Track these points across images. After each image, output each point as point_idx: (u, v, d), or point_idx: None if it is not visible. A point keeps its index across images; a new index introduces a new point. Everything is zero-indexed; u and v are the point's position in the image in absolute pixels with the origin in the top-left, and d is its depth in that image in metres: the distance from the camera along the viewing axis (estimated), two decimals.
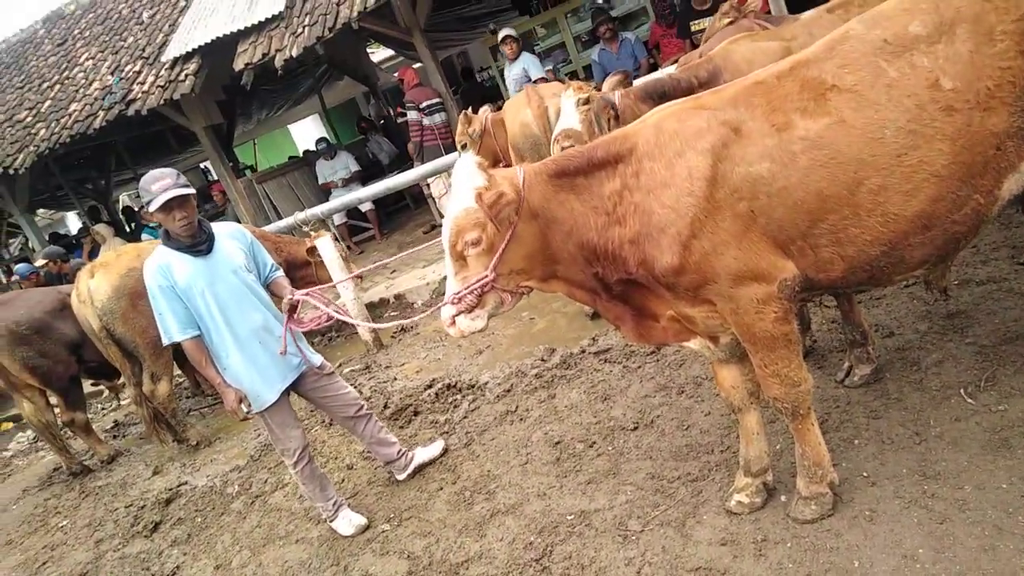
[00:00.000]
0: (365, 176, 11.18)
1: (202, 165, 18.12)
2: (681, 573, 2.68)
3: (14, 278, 9.35)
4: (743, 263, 2.38)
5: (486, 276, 2.51)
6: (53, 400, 6.23)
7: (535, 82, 7.83)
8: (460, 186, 2.55)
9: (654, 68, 7.97)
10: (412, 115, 8.92)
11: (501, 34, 8.35)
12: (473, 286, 2.52)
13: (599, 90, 4.45)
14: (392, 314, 7.29)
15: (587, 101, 4.14)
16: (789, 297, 2.43)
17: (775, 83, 2.41)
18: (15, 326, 5.79)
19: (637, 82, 4.86)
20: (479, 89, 13.07)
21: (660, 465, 3.31)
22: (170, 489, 5.11)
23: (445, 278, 2.73)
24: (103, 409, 8.34)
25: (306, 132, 18.78)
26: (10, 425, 9.01)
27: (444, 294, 2.63)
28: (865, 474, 2.78)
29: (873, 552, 2.44)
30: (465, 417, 4.52)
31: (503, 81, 9.78)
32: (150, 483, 5.47)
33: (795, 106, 2.33)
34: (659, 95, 4.08)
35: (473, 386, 4.84)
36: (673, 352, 4.15)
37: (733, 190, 2.35)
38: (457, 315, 2.58)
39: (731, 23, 4.90)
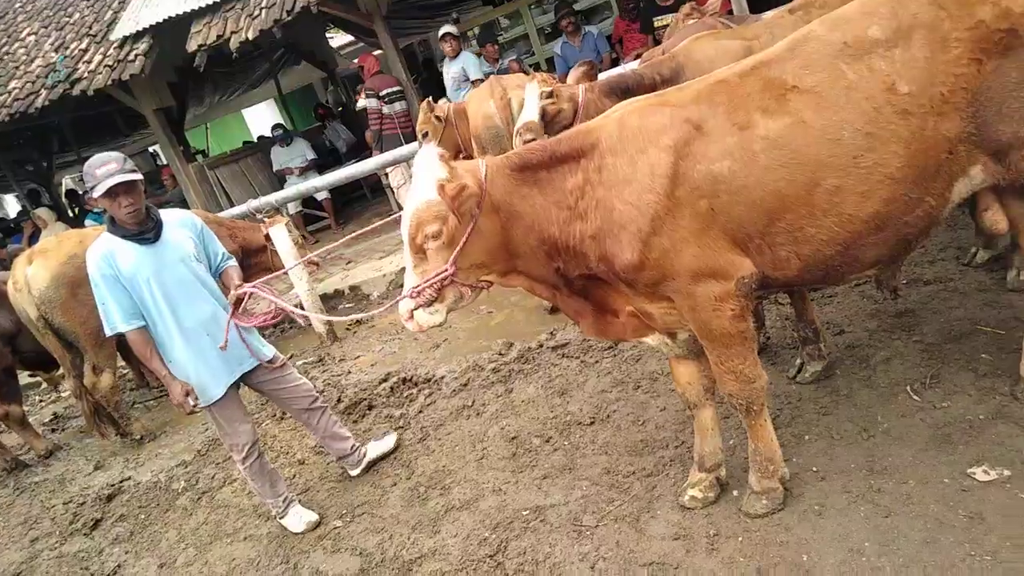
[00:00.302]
0: (322, 164, 10.96)
1: (151, 149, 17.53)
2: (635, 568, 2.69)
3: None
4: (702, 260, 2.40)
5: (446, 270, 2.47)
6: None
7: (473, 82, 7.84)
8: (421, 177, 2.50)
9: (616, 62, 8.00)
10: (372, 103, 8.77)
11: (441, 31, 8.29)
12: (432, 280, 2.47)
13: (563, 83, 4.43)
14: (347, 306, 7.17)
15: (551, 94, 4.11)
16: (746, 295, 2.45)
17: (737, 82, 2.42)
18: None
19: (600, 76, 4.86)
20: (440, 79, 12.93)
21: (615, 460, 3.32)
22: (112, 485, 4.92)
23: (402, 269, 2.67)
24: (41, 401, 8.01)
25: (261, 117, 18.32)
26: None
27: (401, 286, 2.57)
28: (815, 469, 2.84)
29: (821, 546, 2.49)
30: (421, 412, 4.46)
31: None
32: (91, 478, 5.27)
33: (757, 105, 2.35)
34: (622, 90, 4.09)
35: (429, 380, 4.78)
36: (630, 347, 4.16)
37: (694, 188, 2.36)
38: (415, 309, 2.53)
39: (694, 22, 4.94)
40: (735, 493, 2.87)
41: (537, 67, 10.52)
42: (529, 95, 4.22)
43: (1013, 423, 2.68)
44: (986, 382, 2.92)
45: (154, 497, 4.63)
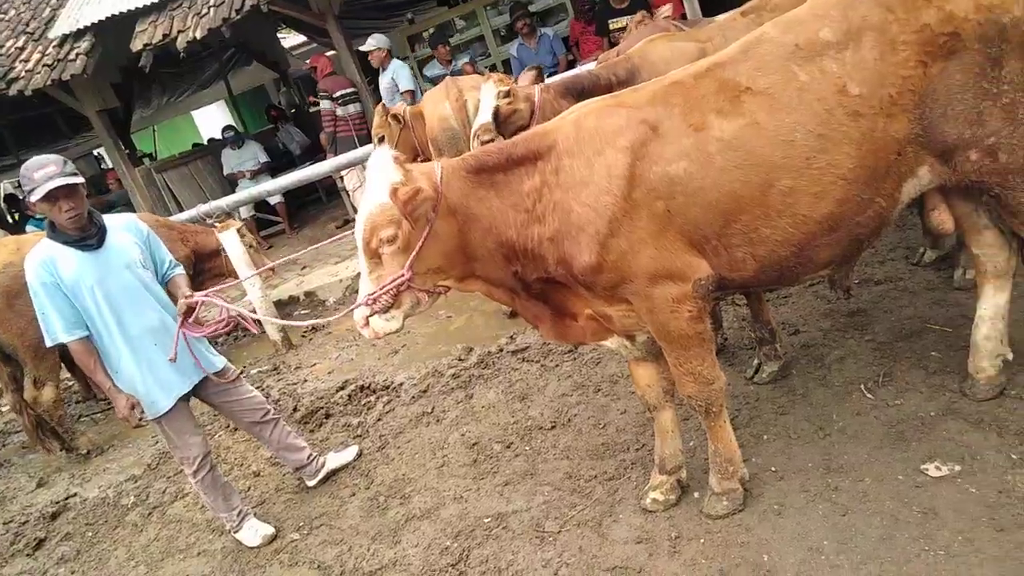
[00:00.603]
0: (275, 167, 10.74)
1: (96, 152, 16.95)
2: (598, 572, 2.67)
3: None
4: (659, 262, 2.39)
5: (402, 275, 2.41)
6: None
7: (402, 93, 7.79)
8: (375, 181, 2.44)
9: (572, 64, 8.02)
10: (325, 105, 8.63)
11: (366, 46, 8.19)
12: (388, 286, 2.42)
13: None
14: (303, 312, 7.03)
15: (508, 94, 4.09)
16: (703, 296, 2.46)
17: (693, 83, 2.43)
18: None
19: (556, 78, 4.85)
20: None
21: (577, 464, 3.31)
22: (57, 502, 4.72)
23: (358, 275, 2.61)
24: None
25: (211, 119, 17.89)
26: None
27: (357, 292, 2.51)
28: (773, 469, 2.86)
29: (781, 545, 2.51)
30: (379, 419, 4.39)
31: (420, 73, 9.63)
32: (33, 496, 5.05)
33: (712, 107, 2.36)
34: (578, 92, 4.08)
35: (388, 387, 4.70)
36: (590, 351, 4.16)
37: (650, 189, 2.36)
38: (371, 316, 2.47)
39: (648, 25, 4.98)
40: (696, 495, 2.88)
41: (493, 68, 10.49)
42: (485, 96, 4.18)
43: (962, 419, 2.74)
44: (936, 379, 2.99)
45: (102, 514, 4.46)
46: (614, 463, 3.23)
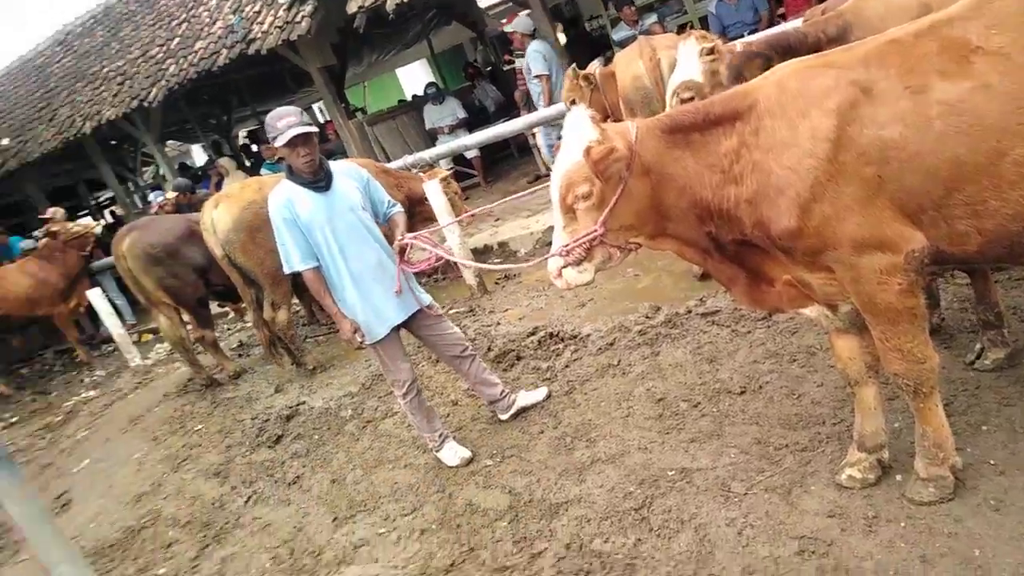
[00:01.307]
0: (471, 123, 11.24)
1: (314, 106, 18.71)
2: (785, 539, 2.65)
3: (153, 209, 10.25)
4: (867, 231, 2.30)
5: (595, 231, 2.52)
6: (186, 318, 6.83)
7: (536, 77, 7.63)
8: (571, 139, 2.55)
9: (773, 23, 7.52)
10: (520, 63, 8.84)
11: (508, 27, 8.07)
12: (581, 240, 2.54)
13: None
14: (496, 261, 7.40)
15: (711, 51, 3.99)
16: (916, 269, 2.33)
17: (912, 42, 2.27)
18: (150, 248, 6.39)
19: (759, 35, 4.63)
20: (586, 39, 12.72)
21: (767, 431, 3.27)
22: (290, 407, 5.53)
23: (549, 228, 2.77)
24: (228, 330, 9.03)
25: (413, 76, 18.97)
26: (150, 336, 10.09)
27: (549, 244, 2.65)
28: (992, 462, 2.65)
29: (997, 543, 2.34)
30: (567, 366, 4.58)
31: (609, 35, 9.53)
32: (272, 400, 5.93)
33: (934, 68, 2.20)
34: (783, 50, 3.88)
35: (575, 337, 4.88)
36: (785, 319, 4.03)
37: (860, 154, 2.26)
38: (564, 267, 2.62)
39: None
40: (899, 478, 2.74)
41: (690, 26, 10.05)
42: (686, 53, 4.11)
43: None
44: None
45: (325, 421, 5.14)
46: (807, 435, 3.15)
